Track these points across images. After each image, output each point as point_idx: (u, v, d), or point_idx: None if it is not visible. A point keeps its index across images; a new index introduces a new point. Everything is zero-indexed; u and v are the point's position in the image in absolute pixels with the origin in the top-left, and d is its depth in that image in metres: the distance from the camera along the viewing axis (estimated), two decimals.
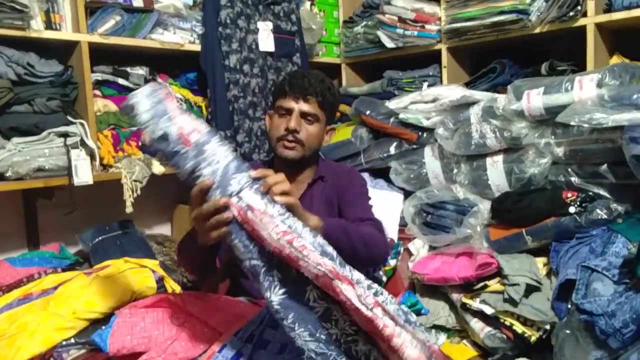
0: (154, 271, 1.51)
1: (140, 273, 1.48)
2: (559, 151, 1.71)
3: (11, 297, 1.45)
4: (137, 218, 2.13)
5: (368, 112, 2.25)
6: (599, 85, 1.62)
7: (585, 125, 1.53)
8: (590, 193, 1.65)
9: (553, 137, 1.72)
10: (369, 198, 1.55)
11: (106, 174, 1.92)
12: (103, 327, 1.23)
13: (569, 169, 1.71)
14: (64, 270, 1.71)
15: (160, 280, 1.51)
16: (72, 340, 1.27)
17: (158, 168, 2.00)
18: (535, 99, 1.72)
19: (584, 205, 1.62)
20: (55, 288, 1.44)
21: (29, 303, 1.38)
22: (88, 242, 2.00)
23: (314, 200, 1.53)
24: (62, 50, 1.90)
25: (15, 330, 1.27)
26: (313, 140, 1.48)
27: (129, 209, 1.91)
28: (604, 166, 1.62)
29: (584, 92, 1.64)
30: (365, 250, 1.31)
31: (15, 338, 1.24)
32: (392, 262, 1.92)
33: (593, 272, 1.43)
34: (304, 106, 1.45)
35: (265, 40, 2.34)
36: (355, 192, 1.52)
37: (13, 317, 1.33)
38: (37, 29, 1.76)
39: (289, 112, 1.45)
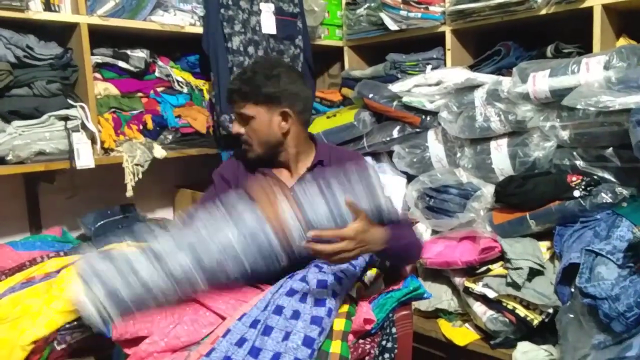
0: None
1: None
2: (564, 134, 1.69)
3: (14, 281, 1.46)
4: (139, 202, 2.13)
5: (371, 96, 2.22)
6: (606, 67, 1.59)
7: (592, 109, 1.51)
8: (595, 177, 1.63)
9: (558, 120, 1.70)
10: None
11: (107, 157, 1.91)
12: None
13: (574, 153, 1.69)
14: (66, 254, 1.71)
15: None
16: (75, 324, 1.27)
17: (159, 152, 1.99)
18: (541, 81, 1.70)
19: (588, 189, 1.60)
20: (58, 272, 1.45)
21: (32, 286, 1.38)
22: (90, 226, 2.00)
23: None
24: (62, 32, 1.88)
25: (19, 313, 1.28)
26: (259, 137, 1.47)
27: (130, 193, 1.90)
28: (610, 149, 1.60)
29: (591, 74, 1.61)
30: (409, 257, 1.47)
31: (18, 321, 1.25)
32: None
33: (597, 256, 1.42)
34: (236, 109, 1.48)
35: (267, 22, 2.31)
36: None
37: (16, 300, 1.33)
38: (36, 10, 1.74)
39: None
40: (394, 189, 2.12)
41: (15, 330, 1.23)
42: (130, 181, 1.89)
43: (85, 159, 1.80)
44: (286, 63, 1.53)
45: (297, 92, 1.48)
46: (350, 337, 1.25)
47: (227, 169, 1.59)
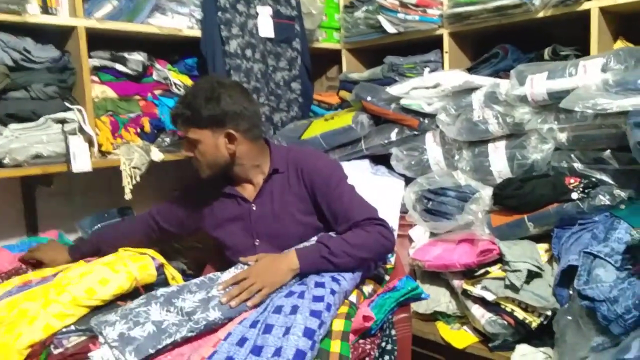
0: (153, 258, 1.51)
1: (140, 260, 1.47)
2: (562, 137, 1.70)
3: (11, 285, 1.45)
4: (136, 205, 2.12)
5: (369, 98, 2.23)
6: (604, 70, 1.60)
7: (589, 111, 1.52)
8: (593, 179, 1.63)
9: (556, 122, 1.70)
10: (346, 178, 1.53)
11: (104, 160, 1.90)
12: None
13: (572, 155, 1.69)
14: None
15: (160, 268, 1.50)
16: (72, 327, 1.27)
17: (157, 155, 1.98)
18: (538, 84, 1.70)
19: (586, 191, 1.61)
20: (55, 275, 1.44)
21: (29, 290, 1.38)
22: (87, 229, 1.99)
23: (274, 195, 1.53)
24: (59, 36, 1.87)
25: (15, 317, 1.27)
26: (207, 160, 1.47)
27: (127, 196, 1.89)
28: (607, 152, 1.61)
29: (588, 76, 1.61)
30: (362, 260, 1.40)
31: (15, 325, 1.24)
32: (392, 260, 1.91)
33: (595, 258, 1.42)
34: (182, 133, 1.49)
35: (265, 25, 2.31)
36: (332, 186, 1.48)
37: (13, 304, 1.32)
38: (33, 13, 1.74)
39: None
40: (391, 191, 2.12)
41: (11, 333, 1.22)
42: (128, 184, 1.89)
43: (82, 162, 1.79)
44: (229, 82, 1.53)
45: (241, 111, 1.45)
46: (351, 336, 1.25)
47: (191, 191, 1.65)
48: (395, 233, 2.00)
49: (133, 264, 1.43)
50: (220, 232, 1.58)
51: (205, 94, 1.42)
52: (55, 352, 1.22)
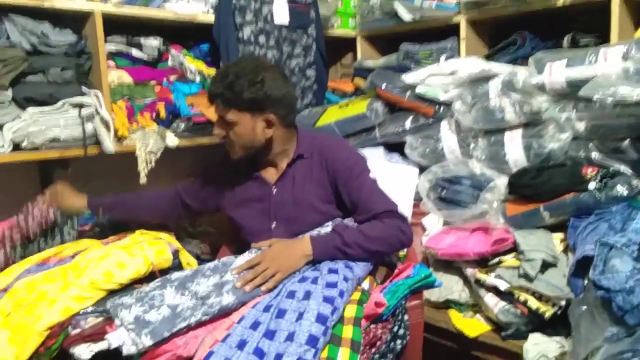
0: (169, 243, 1.53)
1: (157, 245, 1.49)
2: (580, 126, 1.68)
3: (29, 262, 1.48)
4: (151, 190, 2.14)
5: (384, 86, 2.21)
6: (625, 58, 1.57)
7: (609, 100, 1.50)
8: (611, 169, 1.61)
9: (574, 111, 1.68)
10: (369, 171, 1.52)
11: (121, 145, 1.92)
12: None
13: (590, 145, 1.68)
14: (81, 225, 1.74)
15: (175, 253, 1.52)
16: (90, 309, 1.29)
17: (172, 140, 1.99)
18: (557, 72, 1.68)
19: (604, 181, 1.59)
20: (73, 257, 1.46)
21: (47, 271, 1.40)
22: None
23: (295, 180, 1.53)
24: (76, 20, 1.88)
25: (35, 299, 1.29)
26: (243, 142, 1.46)
27: (142, 180, 1.91)
28: (626, 142, 1.59)
29: (609, 65, 1.59)
30: (375, 253, 1.40)
31: (34, 307, 1.26)
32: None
33: (612, 248, 1.41)
34: (218, 113, 1.46)
35: (280, 12, 2.30)
36: (354, 175, 1.48)
37: (32, 285, 1.35)
38: None
39: None
40: (406, 179, 2.11)
41: (31, 315, 1.24)
42: (143, 169, 1.90)
43: (107, 144, 1.81)
44: (270, 65, 1.50)
45: (282, 96, 1.44)
46: (363, 322, 1.26)
47: (214, 169, 1.65)
48: (409, 221, 2.00)
49: (149, 248, 1.45)
50: (238, 212, 1.58)
51: (249, 77, 1.40)
52: (73, 332, 1.25)
